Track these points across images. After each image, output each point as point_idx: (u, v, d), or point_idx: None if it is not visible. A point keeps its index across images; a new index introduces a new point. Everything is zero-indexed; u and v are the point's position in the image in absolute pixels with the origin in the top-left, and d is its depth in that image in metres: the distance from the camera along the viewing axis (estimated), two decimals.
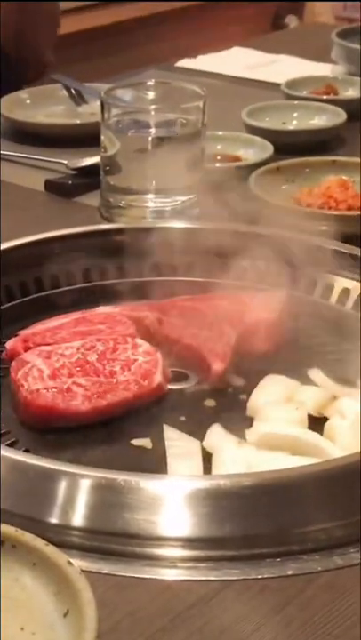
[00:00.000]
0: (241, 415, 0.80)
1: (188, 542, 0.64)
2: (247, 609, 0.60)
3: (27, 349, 0.84)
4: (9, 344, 0.86)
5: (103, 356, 0.82)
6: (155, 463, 0.74)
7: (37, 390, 0.78)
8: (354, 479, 0.67)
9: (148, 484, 0.65)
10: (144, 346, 0.84)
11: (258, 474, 0.69)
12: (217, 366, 0.84)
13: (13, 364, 0.82)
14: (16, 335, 0.87)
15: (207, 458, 0.74)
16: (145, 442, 0.76)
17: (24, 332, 0.87)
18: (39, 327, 0.88)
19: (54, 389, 0.78)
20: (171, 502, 0.65)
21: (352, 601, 0.60)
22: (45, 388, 0.78)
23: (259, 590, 0.61)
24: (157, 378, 0.81)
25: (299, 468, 0.68)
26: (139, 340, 0.84)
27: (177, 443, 0.75)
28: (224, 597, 0.61)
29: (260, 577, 0.62)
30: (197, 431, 0.76)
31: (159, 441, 0.76)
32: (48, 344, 0.84)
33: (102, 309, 0.90)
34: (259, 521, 0.65)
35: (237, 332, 0.87)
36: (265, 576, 0.62)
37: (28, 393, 0.78)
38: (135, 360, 0.82)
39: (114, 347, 0.83)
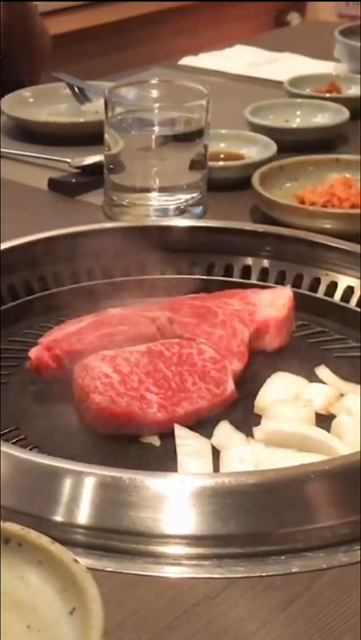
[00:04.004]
0: (249, 413, 0.80)
1: (193, 540, 0.64)
2: (252, 606, 0.60)
3: (53, 357, 0.81)
4: (33, 353, 0.82)
5: (170, 362, 0.80)
6: (163, 461, 0.74)
7: (111, 397, 0.76)
8: (358, 477, 0.67)
9: (153, 482, 0.65)
10: (209, 352, 0.82)
11: (262, 472, 0.69)
12: (235, 366, 0.83)
13: (76, 369, 0.79)
14: (37, 344, 0.83)
15: (215, 455, 0.74)
16: (153, 439, 0.76)
17: (45, 340, 0.83)
18: (56, 333, 0.84)
19: (129, 396, 0.76)
20: (175, 500, 0.65)
21: (357, 598, 0.60)
22: (119, 395, 0.76)
23: (264, 588, 0.62)
24: (230, 386, 0.80)
25: (303, 465, 0.68)
26: (203, 346, 0.82)
27: (187, 441, 0.75)
28: (229, 595, 0.61)
29: (264, 574, 0.62)
30: (206, 428, 0.76)
31: (168, 438, 0.76)
32: (78, 350, 0.81)
33: (113, 311, 0.88)
34: (263, 519, 0.65)
35: (250, 330, 0.87)
36: (270, 574, 0.62)
37: (102, 399, 0.76)
38: (204, 366, 0.80)
39: (179, 352, 0.81)
